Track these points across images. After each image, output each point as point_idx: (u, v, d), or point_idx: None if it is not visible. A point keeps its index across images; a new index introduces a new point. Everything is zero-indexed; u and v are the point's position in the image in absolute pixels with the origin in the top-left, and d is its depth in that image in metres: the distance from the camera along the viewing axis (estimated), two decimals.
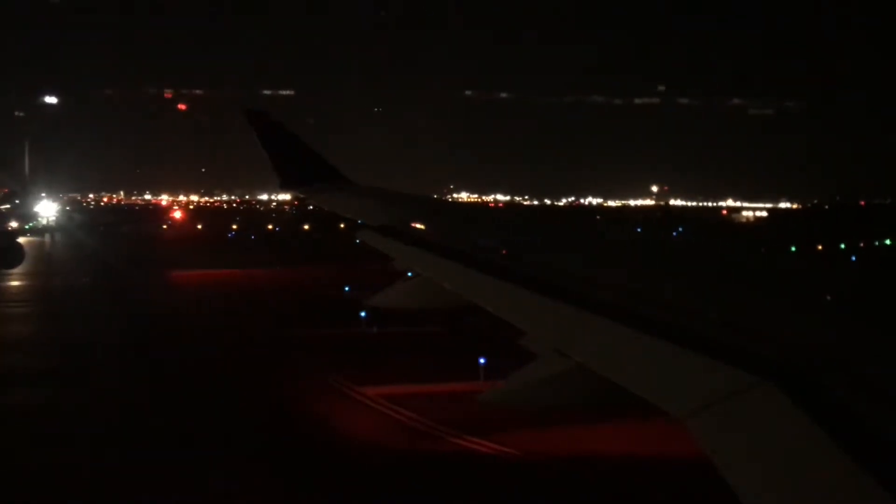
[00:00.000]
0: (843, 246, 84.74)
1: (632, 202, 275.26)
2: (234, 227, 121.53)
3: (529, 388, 4.92)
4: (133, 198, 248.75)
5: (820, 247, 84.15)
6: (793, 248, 79.40)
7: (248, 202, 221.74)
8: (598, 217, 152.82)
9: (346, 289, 55.97)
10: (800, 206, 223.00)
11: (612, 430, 23.62)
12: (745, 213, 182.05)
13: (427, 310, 8.08)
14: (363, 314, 44.30)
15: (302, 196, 16.69)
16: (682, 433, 3.10)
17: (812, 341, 3.54)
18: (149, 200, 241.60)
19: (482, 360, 33.07)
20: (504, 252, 7.25)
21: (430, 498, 21.63)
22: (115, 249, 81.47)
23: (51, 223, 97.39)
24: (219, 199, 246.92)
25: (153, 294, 54.87)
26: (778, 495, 2.68)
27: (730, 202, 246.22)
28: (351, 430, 27.29)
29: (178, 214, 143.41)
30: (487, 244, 7.80)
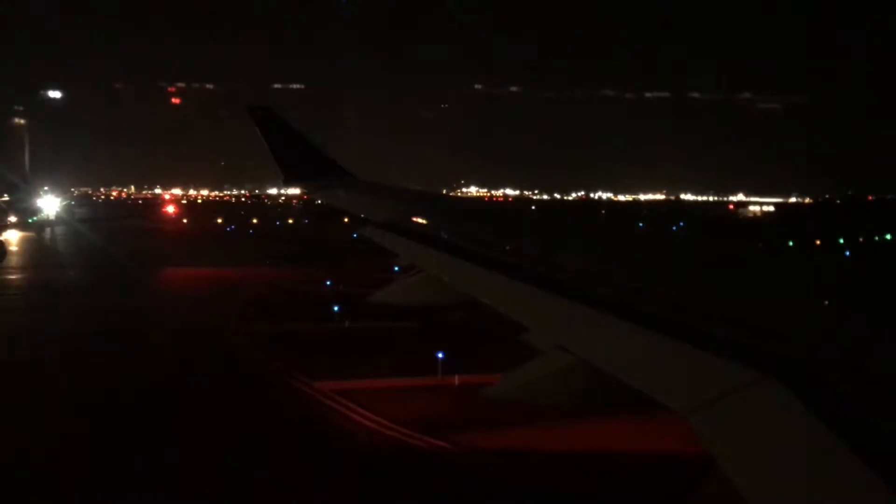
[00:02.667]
0: (842, 240, 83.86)
1: (641, 196, 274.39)
2: (235, 222, 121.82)
3: (533, 384, 4.94)
4: (144, 192, 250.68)
5: (818, 241, 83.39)
6: (790, 243, 78.63)
7: (257, 196, 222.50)
8: (602, 211, 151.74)
9: (328, 283, 56.34)
10: (811, 201, 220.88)
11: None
12: (751, 208, 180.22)
13: (430, 306, 8.05)
14: (336, 308, 44.59)
15: (306, 191, 17.12)
16: (685, 429, 3.11)
17: (814, 337, 3.58)
18: (159, 195, 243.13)
19: (440, 355, 33.33)
20: (507, 248, 7.29)
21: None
22: (108, 245, 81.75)
23: (52, 218, 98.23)
24: (228, 193, 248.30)
25: (131, 290, 54.92)
26: (780, 490, 2.68)
27: (741, 196, 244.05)
28: (290, 422, 27.52)
29: (171, 209, 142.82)
30: (490, 241, 7.79)
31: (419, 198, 13.86)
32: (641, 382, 3.76)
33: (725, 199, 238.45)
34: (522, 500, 21.77)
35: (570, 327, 4.85)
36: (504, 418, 24.53)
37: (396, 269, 9.85)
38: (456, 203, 17.15)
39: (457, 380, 32.01)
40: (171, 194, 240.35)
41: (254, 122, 14.46)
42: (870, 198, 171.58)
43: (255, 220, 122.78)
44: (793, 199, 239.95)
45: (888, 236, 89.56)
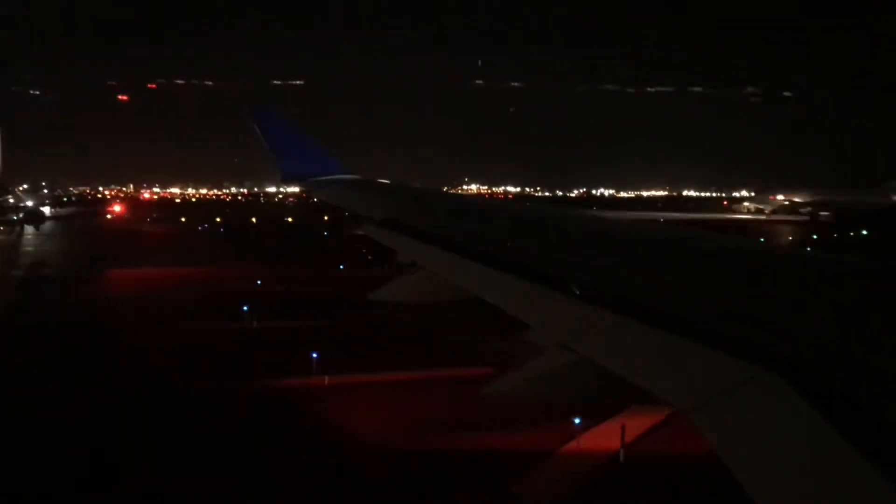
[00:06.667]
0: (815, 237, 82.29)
1: (644, 193, 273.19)
2: (218, 219, 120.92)
3: (534, 381, 4.93)
4: (142, 190, 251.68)
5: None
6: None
7: (255, 195, 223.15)
8: (593, 208, 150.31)
9: (259, 282, 55.35)
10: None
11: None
12: (745, 204, 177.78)
13: (430, 304, 7.99)
14: (245, 308, 43.57)
15: (305, 189, 16.68)
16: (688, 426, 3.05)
17: (815, 333, 3.49)
18: (157, 192, 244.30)
19: (314, 355, 32.34)
20: (508, 245, 7.20)
21: None
22: (65, 247, 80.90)
23: (21, 216, 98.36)
24: (227, 191, 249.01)
25: (74, 291, 53.12)
26: (783, 486, 2.68)
27: (743, 192, 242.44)
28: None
29: (117, 208, 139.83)
30: (491, 237, 7.71)
31: (418, 195, 13.66)
32: (643, 380, 3.74)
33: (728, 194, 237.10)
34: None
35: (571, 325, 4.83)
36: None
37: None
38: (455, 200, 16.61)
39: (327, 380, 30.90)
40: (170, 192, 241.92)
41: (252, 119, 14.30)
42: None
43: (229, 219, 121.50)
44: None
45: (864, 232, 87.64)
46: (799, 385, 3.01)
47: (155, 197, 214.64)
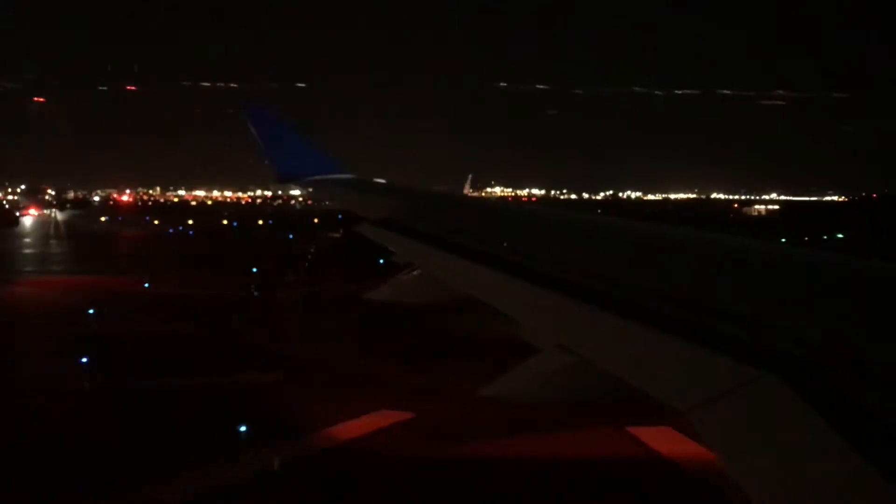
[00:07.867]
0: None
1: (672, 195, 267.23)
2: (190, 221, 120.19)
3: (531, 383, 4.92)
4: (168, 193, 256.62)
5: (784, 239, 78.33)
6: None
7: (275, 197, 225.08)
8: (598, 210, 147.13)
9: (146, 285, 54.67)
10: (846, 199, 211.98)
11: None
12: (756, 207, 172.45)
13: (425, 304, 8.02)
14: (91, 311, 42.80)
15: (301, 189, 16.42)
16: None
17: (815, 333, 3.44)
18: (182, 196, 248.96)
19: (84, 360, 31.47)
20: (505, 245, 7.20)
21: None
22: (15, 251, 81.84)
23: None
24: (249, 195, 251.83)
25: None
26: (782, 488, 2.68)
27: (773, 195, 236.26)
28: None
29: (33, 212, 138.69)
30: (489, 238, 7.71)
31: (417, 195, 13.73)
32: (641, 381, 3.75)
33: (757, 197, 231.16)
34: None
35: (569, 325, 4.87)
36: None
37: None
38: (454, 200, 16.32)
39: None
40: (192, 195, 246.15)
41: (246, 116, 13.93)
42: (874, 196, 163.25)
43: (206, 221, 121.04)
44: (828, 198, 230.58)
45: (840, 236, 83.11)
46: (798, 386, 2.97)
47: (133, 200, 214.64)
